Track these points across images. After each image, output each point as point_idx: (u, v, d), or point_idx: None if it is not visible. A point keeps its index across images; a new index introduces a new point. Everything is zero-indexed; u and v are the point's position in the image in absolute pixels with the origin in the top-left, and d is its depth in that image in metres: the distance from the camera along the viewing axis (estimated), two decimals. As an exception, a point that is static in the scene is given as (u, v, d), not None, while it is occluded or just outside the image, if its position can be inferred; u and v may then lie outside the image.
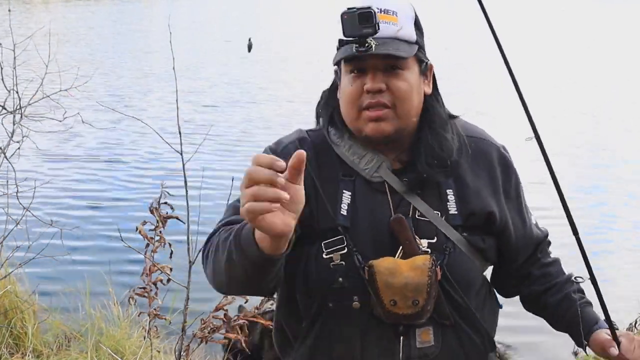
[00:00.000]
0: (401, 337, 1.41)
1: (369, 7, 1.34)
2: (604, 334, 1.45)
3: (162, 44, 16.97)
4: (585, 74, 14.31)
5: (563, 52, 17.56)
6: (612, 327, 1.45)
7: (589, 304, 1.53)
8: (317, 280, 1.40)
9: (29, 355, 3.24)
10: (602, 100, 11.59)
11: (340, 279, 1.38)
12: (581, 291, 1.55)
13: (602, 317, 1.49)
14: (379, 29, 1.33)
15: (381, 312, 1.38)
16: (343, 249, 1.39)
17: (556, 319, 1.56)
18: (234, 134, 8.73)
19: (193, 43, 16.83)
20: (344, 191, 1.42)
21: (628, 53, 17.51)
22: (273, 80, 12.93)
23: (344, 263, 1.38)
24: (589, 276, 1.50)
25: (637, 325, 3.73)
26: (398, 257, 1.39)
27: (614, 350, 1.41)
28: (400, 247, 1.40)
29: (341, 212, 1.40)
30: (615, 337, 1.43)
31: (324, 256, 1.39)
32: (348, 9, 1.34)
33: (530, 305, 1.64)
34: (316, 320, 1.43)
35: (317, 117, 1.58)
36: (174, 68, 2.92)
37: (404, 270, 1.36)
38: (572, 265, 1.62)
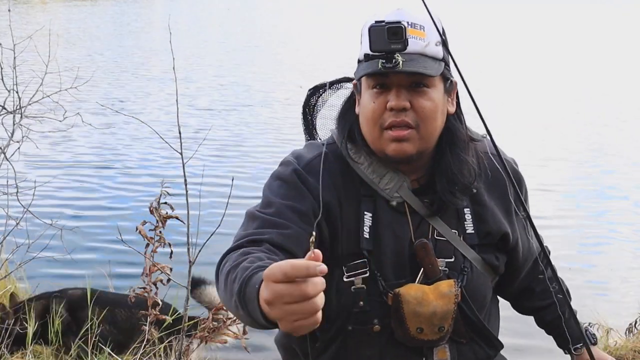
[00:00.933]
0: (424, 358, 1.41)
1: (399, 22, 1.26)
2: None
3: (156, 45, 17.00)
4: (589, 78, 14.26)
5: (567, 56, 17.55)
6: (589, 350, 1.56)
7: (575, 318, 1.60)
8: (337, 305, 1.37)
9: (29, 355, 3.24)
10: (606, 105, 11.52)
11: (362, 303, 1.36)
12: (570, 306, 1.60)
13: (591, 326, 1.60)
14: (407, 44, 1.27)
15: (404, 337, 1.38)
16: (365, 272, 1.36)
17: (547, 329, 1.69)
18: (229, 137, 8.67)
19: (189, 45, 16.70)
20: (365, 212, 1.38)
21: (632, 56, 17.47)
22: (269, 83, 12.83)
23: (364, 287, 1.36)
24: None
25: (637, 325, 3.73)
26: (419, 280, 1.38)
27: None
28: (422, 270, 1.39)
29: (364, 235, 1.36)
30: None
31: (345, 279, 1.36)
32: (376, 21, 1.27)
33: (526, 313, 1.70)
34: (333, 341, 1.42)
35: (304, 117, 1.56)
36: (174, 68, 2.92)
37: (432, 299, 1.35)
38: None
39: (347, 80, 1.58)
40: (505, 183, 1.49)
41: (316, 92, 1.58)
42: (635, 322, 3.72)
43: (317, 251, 0.88)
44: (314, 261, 0.87)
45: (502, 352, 1.60)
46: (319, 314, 0.90)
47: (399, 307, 1.35)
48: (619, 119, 10.38)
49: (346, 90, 1.57)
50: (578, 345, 1.61)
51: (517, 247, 1.51)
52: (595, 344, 1.64)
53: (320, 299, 0.89)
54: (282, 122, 9.28)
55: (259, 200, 1.40)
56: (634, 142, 8.97)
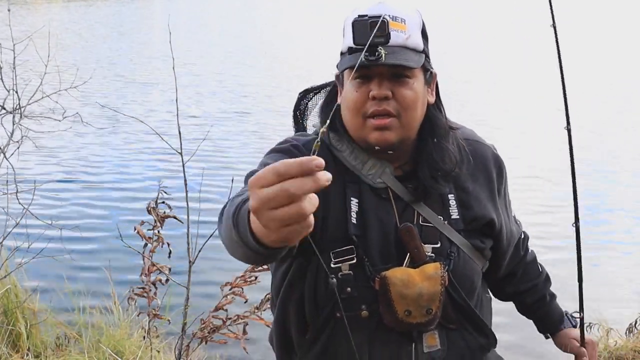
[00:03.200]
0: (413, 344, 1.41)
1: (382, 16, 1.29)
2: (574, 341, 1.68)
3: (152, 47, 16.90)
4: (591, 82, 14.21)
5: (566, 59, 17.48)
6: (582, 332, 1.69)
7: (555, 301, 1.73)
8: (324, 292, 1.38)
9: (28, 355, 3.24)
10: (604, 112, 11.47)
11: (349, 289, 1.37)
12: (550, 286, 1.74)
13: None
14: (390, 38, 1.29)
15: (392, 321, 1.38)
16: (352, 259, 1.37)
17: (529, 313, 1.74)
18: (227, 139, 8.64)
19: (185, 49, 16.55)
20: (351, 198, 1.39)
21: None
22: (267, 88, 12.70)
23: (352, 273, 1.37)
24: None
25: (637, 325, 3.73)
26: (406, 264, 1.39)
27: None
28: (408, 255, 1.40)
29: (352, 220, 1.38)
30: (583, 340, 1.68)
31: (332, 265, 1.36)
32: (359, 16, 1.30)
33: (507, 299, 1.74)
34: (323, 330, 1.42)
35: (296, 121, 1.56)
36: (173, 68, 2.92)
37: (418, 281, 1.36)
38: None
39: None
40: (488, 168, 1.53)
41: (306, 95, 1.59)
42: (635, 322, 3.72)
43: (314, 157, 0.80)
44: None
45: (497, 351, 1.60)
46: (310, 220, 0.82)
47: (386, 290, 1.36)
48: (618, 128, 10.34)
49: None
50: (560, 326, 1.70)
51: (502, 231, 1.54)
52: (575, 326, 1.71)
53: (309, 203, 0.81)
54: (277, 127, 9.23)
55: None
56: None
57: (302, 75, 12.94)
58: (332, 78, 1.52)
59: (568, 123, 1.69)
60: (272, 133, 9.01)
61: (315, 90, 1.58)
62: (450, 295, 1.42)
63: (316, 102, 1.58)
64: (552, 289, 1.74)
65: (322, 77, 1.65)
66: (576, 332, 1.71)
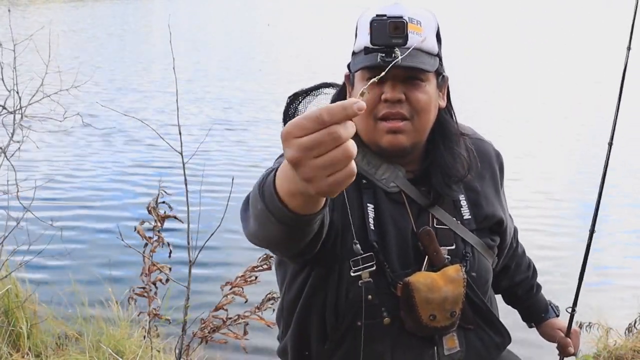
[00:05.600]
0: (434, 347, 1.42)
1: (401, 17, 1.27)
2: (559, 332, 1.76)
3: (149, 48, 16.79)
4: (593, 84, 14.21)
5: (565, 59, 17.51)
6: (570, 325, 1.77)
7: (541, 291, 1.80)
8: (345, 301, 1.37)
9: (29, 355, 3.24)
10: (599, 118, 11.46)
11: (370, 296, 1.36)
12: (537, 277, 1.80)
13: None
14: (407, 39, 1.28)
15: (415, 326, 1.38)
16: (372, 266, 1.35)
17: (516, 304, 1.80)
18: (226, 141, 8.63)
19: (185, 53, 16.41)
20: (367, 204, 1.38)
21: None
22: (267, 95, 12.57)
23: (372, 280, 1.35)
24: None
25: (636, 325, 3.73)
26: (425, 268, 1.39)
27: (572, 350, 1.74)
28: (426, 258, 1.39)
29: (370, 227, 1.37)
30: (569, 331, 1.76)
31: (352, 274, 1.35)
32: (378, 15, 1.28)
33: (501, 292, 1.77)
34: (343, 340, 1.40)
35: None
36: (174, 68, 2.92)
37: (442, 285, 1.36)
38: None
39: (326, 85, 1.59)
40: (492, 165, 1.55)
41: (295, 99, 1.57)
42: (635, 322, 3.72)
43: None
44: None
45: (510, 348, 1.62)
46: (354, 164, 0.76)
47: (410, 296, 1.35)
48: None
49: (325, 95, 1.57)
50: (545, 315, 1.77)
51: (507, 227, 1.56)
52: (558, 315, 1.79)
53: (353, 145, 0.75)
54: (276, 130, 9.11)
55: None
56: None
57: (305, 78, 12.87)
58: (324, 80, 1.52)
59: (612, 139, 1.78)
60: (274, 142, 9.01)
61: (305, 93, 1.56)
62: (467, 295, 1.42)
63: (306, 105, 1.55)
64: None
65: (322, 79, 1.64)
66: (560, 322, 1.78)
